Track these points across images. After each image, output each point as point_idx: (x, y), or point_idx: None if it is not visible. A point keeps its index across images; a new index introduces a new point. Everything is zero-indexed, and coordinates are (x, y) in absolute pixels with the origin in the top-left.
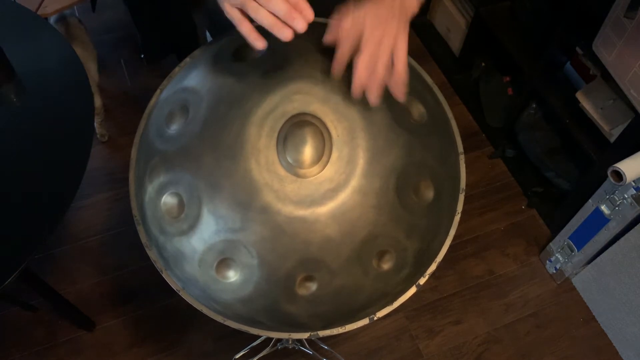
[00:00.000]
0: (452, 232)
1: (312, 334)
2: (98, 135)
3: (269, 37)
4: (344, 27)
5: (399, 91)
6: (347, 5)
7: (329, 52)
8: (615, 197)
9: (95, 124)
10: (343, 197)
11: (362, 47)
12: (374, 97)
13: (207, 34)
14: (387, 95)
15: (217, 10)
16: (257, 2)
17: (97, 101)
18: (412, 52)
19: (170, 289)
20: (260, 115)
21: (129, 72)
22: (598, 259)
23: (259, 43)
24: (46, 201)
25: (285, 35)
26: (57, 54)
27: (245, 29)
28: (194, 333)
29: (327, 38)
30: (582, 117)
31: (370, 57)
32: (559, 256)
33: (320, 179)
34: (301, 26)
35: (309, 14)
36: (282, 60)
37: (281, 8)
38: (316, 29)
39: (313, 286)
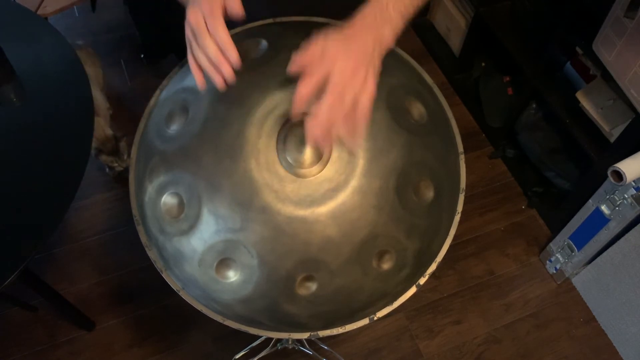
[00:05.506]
0: (452, 232)
1: (312, 334)
2: (107, 170)
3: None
4: (311, 59)
5: (354, 141)
6: (318, 36)
7: None
8: (615, 197)
9: (102, 156)
10: (343, 197)
11: (326, 91)
12: (327, 146)
13: None
14: (387, 95)
15: None
16: (197, 44)
17: (107, 130)
18: (412, 52)
19: (170, 289)
20: (260, 115)
21: (129, 72)
22: (598, 259)
23: (198, 80)
24: (46, 201)
25: (218, 83)
26: (57, 54)
27: (190, 62)
28: (194, 333)
29: (292, 69)
30: (582, 117)
31: (331, 106)
32: (559, 256)
33: (320, 178)
34: (227, 73)
35: (235, 59)
36: (282, 60)
37: (212, 53)
38: (317, 30)
39: (313, 286)
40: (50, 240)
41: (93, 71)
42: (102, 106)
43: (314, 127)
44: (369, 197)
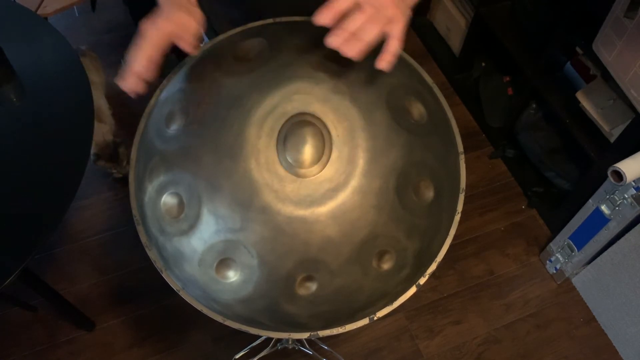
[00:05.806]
0: (452, 232)
1: (312, 334)
2: (112, 172)
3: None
4: None
5: (387, 60)
6: None
7: (330, 52)
8: (615, 197)
9: (101, 162)
10: (343, 197)
11: (362, 5)
12: (352, 52)
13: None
14: (387, 94)
15: (211, 13)
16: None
17: (108, 136)
18: (412, 52)
19: (170, 289)
20: (260, 115)
21: None
22: (598, 259)
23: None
24: (46, 201)
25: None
26: (57, 54)
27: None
28: (194, 333)
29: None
30: (582, 117)
31: (366, 14)
32: (559, 256)
33: (320, 178)
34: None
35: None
36: (282, 60)
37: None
38: (315, 30)
39: (313, 286)
40: (50, 240)
41: (97, 77)
42: (106, 113)
43: (335, 32)
44: (369, 197)
